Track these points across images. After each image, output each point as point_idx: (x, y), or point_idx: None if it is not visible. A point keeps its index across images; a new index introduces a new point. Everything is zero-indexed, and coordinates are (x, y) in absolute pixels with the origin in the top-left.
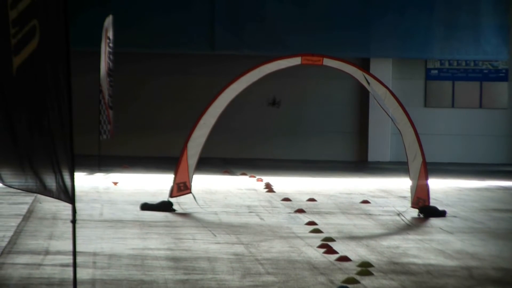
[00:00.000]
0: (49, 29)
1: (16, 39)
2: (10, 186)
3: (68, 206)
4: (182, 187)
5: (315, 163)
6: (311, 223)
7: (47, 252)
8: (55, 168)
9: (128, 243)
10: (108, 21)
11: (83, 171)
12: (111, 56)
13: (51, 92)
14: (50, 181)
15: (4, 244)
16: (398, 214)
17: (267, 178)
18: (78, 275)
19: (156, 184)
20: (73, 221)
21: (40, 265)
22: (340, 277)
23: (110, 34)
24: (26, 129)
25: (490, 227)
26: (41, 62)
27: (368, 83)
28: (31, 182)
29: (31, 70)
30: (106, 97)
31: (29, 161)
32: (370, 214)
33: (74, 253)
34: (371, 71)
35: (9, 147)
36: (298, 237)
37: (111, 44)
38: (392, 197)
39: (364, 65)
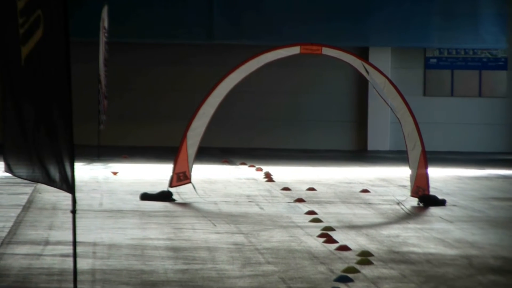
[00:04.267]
0: (51, 19)
1: (24, 29)
2: (18, 177)
3: (68, 196)
4: (181, 177)
5: (315, 153)
6: (310, 212)
7: (47, 243)
8: (58, 159)
9: (127, 233)
10: (105, 11)
11: (83, 161)
12: (106, 46)
13: (54, 83)
14: (54, 172)
15: (4, 234)
16: (398, 203)
17: (267, 168)
18: (78, 265)
19: (156, 174)
20: (73, 211)
21: (40, 255)
22: (340, 266)
23: (106, 24)
24: (33, 120)
25: (490, 216)
26: (44, 52)
27: (367, 72)
28: (37, 173)
29: (36, 61)
30: (103, 87)
31: (37, 152)
32: (369, 203)
33: (74, 243)
34: (370, 60)
35: (18, 138)
36: (298, 226)
37: (106, 34)
38: (391, 186)
39: (363, 54)
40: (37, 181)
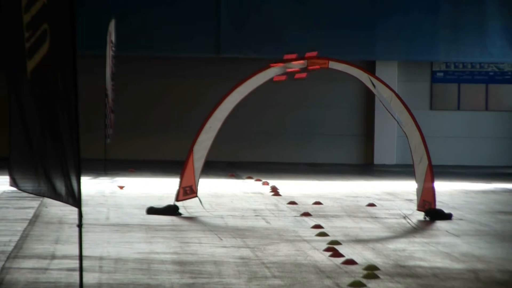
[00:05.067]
0: (58, 33)
1: (30, 43)
2: (24, 191)
3: (74, 210)
4: (188, 191)
5: (321, 166)
6: (317, 226)
7: (53, 257)
8: (64, 172)
9: (134, 247)
10: (112, 25)
11: (89, 175)
12: (113, 60)
13: (61, 96)
14: (60, 185)
15: (10, 248)
16: (404, 217)
17: (273, 182)
18: (84, 280)
19: (162, 188)
20: (79, 225)
21: (46, 269)
22: (346, 281)
23: (113, 38)
24: (39, 134)
25: (497, 230)
26: (51, 66)
27: (374, 85)
28: (43, 187)
29: (43, 74)
30: (110, 101)
31: (42, 165)
32: (376, 217)
33: (81, 257)
34: (376, 74)
35: (25, 152)
36: (304, 240)
37: (113, 48)
38: (398, 200)
39: (370, 68)
40: (43, 195)
